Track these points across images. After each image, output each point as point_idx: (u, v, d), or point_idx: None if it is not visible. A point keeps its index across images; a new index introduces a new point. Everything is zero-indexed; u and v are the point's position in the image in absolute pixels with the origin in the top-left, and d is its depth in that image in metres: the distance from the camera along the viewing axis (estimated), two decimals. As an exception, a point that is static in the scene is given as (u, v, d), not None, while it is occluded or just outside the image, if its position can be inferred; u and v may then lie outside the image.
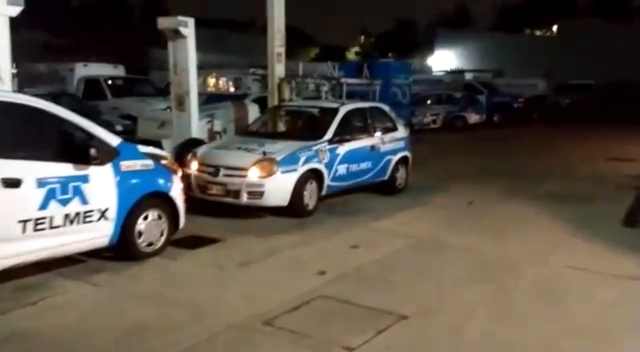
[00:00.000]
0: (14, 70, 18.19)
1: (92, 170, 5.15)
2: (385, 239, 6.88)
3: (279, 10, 11.38)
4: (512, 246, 6.73)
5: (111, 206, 5.32)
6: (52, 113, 5.12)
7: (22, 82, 16.21)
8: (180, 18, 9.39)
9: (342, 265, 5.80)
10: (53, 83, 15.38)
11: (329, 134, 8.30)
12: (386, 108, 9.99)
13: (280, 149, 7.75)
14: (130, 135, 11.86)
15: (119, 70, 16.52)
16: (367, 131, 9.18)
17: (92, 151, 5.03)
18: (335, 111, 8.70)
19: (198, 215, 7.60)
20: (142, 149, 5.90)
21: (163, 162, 6.00)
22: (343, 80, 9.53)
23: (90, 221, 5.18)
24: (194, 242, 6.48)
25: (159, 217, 5.86)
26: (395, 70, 19.92)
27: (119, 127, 12.14)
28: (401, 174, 9.84)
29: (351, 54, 75.83)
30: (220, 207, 7.63)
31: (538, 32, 59.27)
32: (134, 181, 5.55)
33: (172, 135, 10.00)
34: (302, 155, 7.71)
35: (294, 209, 7.65)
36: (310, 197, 7.83)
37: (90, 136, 5.22)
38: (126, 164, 5.47)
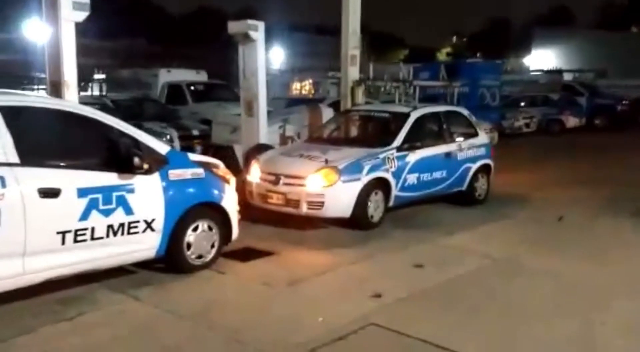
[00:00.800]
0: (102, 76, 19.10)
1: (138, 180, 4.96)
2: (455, 258, 6.24)
3: (354, 11, 10.91)
4: (605, 272, 5.86)
5: (158, 216, 5.11)
6: (97, 120, 4.98)
7: (109, 87, 16.94)
8: (250, 22, 9.18)
9: (401, 287, 5.25)
10: (140, 88, 15.86)
11: (398, 141, 7.74)
12: (465, 112, 9.25)
13: (343, 156, 7.30)
14: (206, 139, 11.98)
15: (201, 76, 16.78)
16: (442, 137, 8.52)
17: (136, 160, 4.83)
18: (405, 116, 8.11)
19: (258, 224, 7.37)
20: (193, 157, 5.67)
21: (215, 170, 5.73)
22: (416, 82, 8.91)
23: (136, 232, 4.99)
24: (247, 254, 6.18)
25: (210, 229, 5.59)
26: (482, 70, 18.90)
27: (195, 132, 12.20)
28: (481, 183, 9.07)
29: (442, 55, 74.03)
30: (282, 217, 7.30)
31: (646, 29, 54.89)
32: (183, 190, 5.31)
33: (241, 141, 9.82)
34: (366, 164, 7.21)
35: (357, 221, 7.17)
36: (375, 208, 7.32)
37: (136, 144, 5.03)
38: (175, 173, 5.25)
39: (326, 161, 7.19)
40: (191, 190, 5.41)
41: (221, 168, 5.86)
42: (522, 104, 21.90)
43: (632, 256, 6.43)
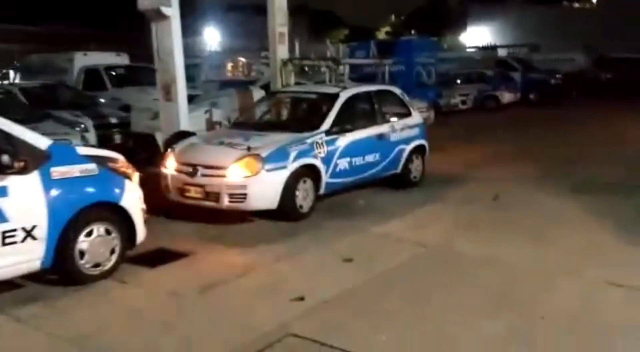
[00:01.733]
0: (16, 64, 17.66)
1: (11, 181, 4.20)
2: (388, 248, 5.78)
3: (279, -14, 10.23)
4: (543, 254, 5.54)
5: (40, 222, 4.37)
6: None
7: (24, 75, 15.62)
8: (162, -4, 8.36)
9: (327, 287, 4.73)
10: (55, 74, 14.62)
11: (327, 124, 7.18)
12: (397, 91, 8.78)
13: (267, 143, 6.68)
14: (126, 128, 11.08)
15: (122, 59, 15.63)
16: (374, 118, 8.02)
17: (4, 158, 4.07)
18: (334, 97, 7.55)
19: (176, 221, 6.72)
20: (83, 151, 4.92)
21: (112, 165, 5.00)
22: (345, 61, 8.37)
23: (13, 242, 4.25)
24: (158, 257, 5.51)
25: (108, 233, 4.88)
26: (418, 48, 18.59)
27: (113, 120, 11.26)
28: (416, 165, 8.66)
29: (382, 35, 73.88)
30: (203, 212, 6.63)
31: (577, 5, 56.27)
32: (70, 190, 4.57)
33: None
34: (293, 150, 6.63)
35: (285, 212, 6.60)
36: (304, 197, 6.76)
37: (7, 139, 4.26)
38: (59, 171, 4.50)
39: (248, 149, 6.56)
40: (81, 189, 4.68)
41: (120, 162, 5.14)
42: (458, 81, 21.79)
43: (570, 234, 6.15)
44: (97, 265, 4.82)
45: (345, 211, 7.19)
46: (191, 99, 12.92)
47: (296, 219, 6.67)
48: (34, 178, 4.34)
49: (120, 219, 4.98)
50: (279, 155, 6.51)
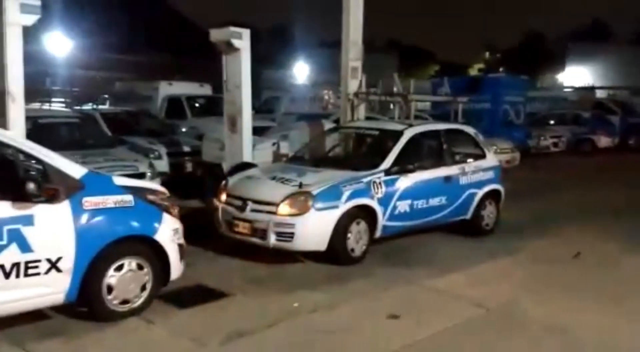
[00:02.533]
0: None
1: (38, 209, 4.09)
2: (442, 305, 5.18)
3: (355, 20, 9.97)
4: (624, 327, 4.74)
5: (67, 254, 4.22)
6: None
7: (118, 98, 16.35)
8: (233, 29, 8.35)
9: (362, 348, 4.23)
10: (140, 102, 15.20)
11: (387, 163, 6.73)
12: (470, 131, 8.18)
13: (321, 180, 6.33)
14: (198, 156, 11.15)
15: (205, 89, 16.04)
16: (442, 159, 7.48)
17: (30, 185, 3.96)
18: (398, 134, 7.10)
19: (225, 256, 6.47)
20: (121, 181, 4.76)
21: (150, 198, 4.82)
22: (412, 96, 7.90)
23: (37, 273, 4.11)
24: (194, 295, 5.25)
25: (140, 268, 4.67)
26: (506, 86, 17.71)
27: (186, 148, 11.40)
28: (489, 212, 7.97)
29: (474, 71, 72.46)
30: (253, 249, 6.33)
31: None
32: (102, 221, 4.41)
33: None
34: (347, 189, 6.22)
35: (335, 255, 6.18)
36: (357, 240, 6.31)
37: (41, 167, 4.18)
38: (92, 201, 4.36)
39: (300, 185, 6.23)
40: (114, 221, 4.50)
41: (160, 194, 4.95)
42: (551, 122, 20.57)
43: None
44: (125, 301, 4.61)
45: (402, 258, 6.64)
46: (264, 130, 13.02)
47: (347, 263, 6.22)
48: (63, 207, 4.21)
49: (154, 254, 4.76)
50: (331, 194, 6.13)
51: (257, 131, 12.74)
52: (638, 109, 23.39)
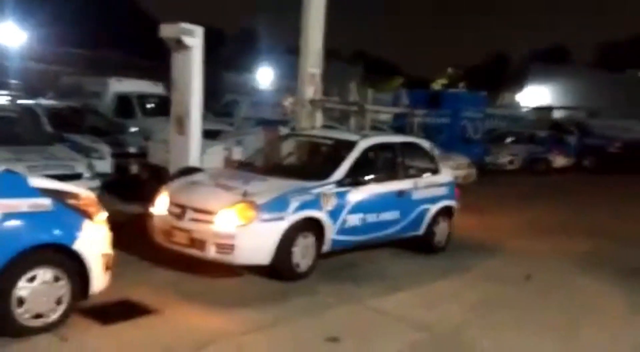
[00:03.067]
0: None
1: None
2: (384, 329, 4.87)
3: (315, 26, 9.66)
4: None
5: (-33, 262, 3.75)
6: None
7: (64, 94, 15.58)
8: (184, 25, 7.90)
9: (295, 375, 3.88)
10: (88, 98, 14.49)
11: (339, 174, 6.41)
12: (426, 145, 7.96)
13: (267, 189, 5.96)
14: (145, 157, 10.62)
15: (159, 88, 15.44)
16: (396, 172, 7.21)
17: None
18: (352, 145, 6.80)
19: (160, 268, 6.01)
20: (38, 183, 4.29)
21: (71, 202, 4.36)
22: (368, 107, 7.63)
23: None
24: (118, 311, 4.79)
25: (56, 280, 4.21)
26: (465, 102, 17.74)
27: (132, 149, 10.85)
28: (442, 228, 7.74)
29: (437, 86, 73.44)
30: (192, 260, 5.88)
31: (641, 73, 54.31)
32: (12, 227, 3.94)
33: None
34: (295, 200, 5.86)
35: (279, 269, 5.81)
36: (302, 255, 5.95)
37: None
38: (3, 204, 3.89)
39: (244, 194, 5.85)
40: (27, 227, 4.03)
41: (83, 199, 4.49)
42: (508, 139, 20.72)
43: (609, 330, 5.09)
44: (38, 315, 4.13)
45: (350, 274, 6.32)
46: (218, 134, 12.57)
47: (291, 279, 5.86)
48: (-35, 210, 3.74)
49: (72, 264, 4.30)
50: (278, 205, 5.76)
51: (212, 135, 12.31)
52: (594, 131, 23.85)
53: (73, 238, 4.26)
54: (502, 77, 61.16)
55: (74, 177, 8.19)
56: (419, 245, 7.55)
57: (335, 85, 9.43)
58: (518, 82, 52.56)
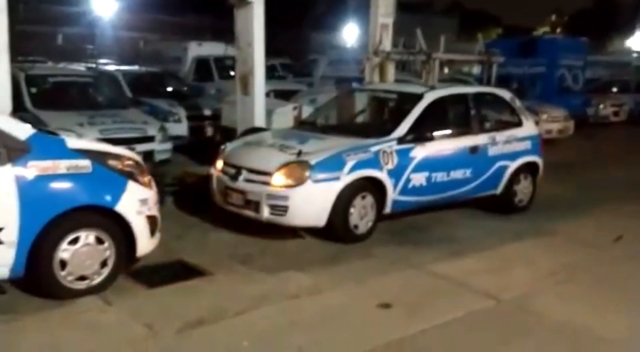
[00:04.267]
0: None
1: (-27, 175, 3.65)
2: (442, 295, 4.49)
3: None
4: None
5: (9, 224, 3.78)
6: None
7: (147, 59, 15.99)
8: (244, -20, 7.65)
9: (338, 343, 3.63)
10: (170, 63, 14.78)
11: (401, 130, 5.97)
12: (506, 95, 7.25)
13: (322, 148, 5.66)
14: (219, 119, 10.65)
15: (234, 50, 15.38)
16: (469, 127, 6.63)
17: (-45, 148, 3.50)
18: (417, 98, 6.29)
19: (220, 230, 5.97)
20: (77, 144, 4.24)
21: (112, 163, 4.30)
22: (435, 55, 6.98)
23: (-27, 245, 3.70)
24: (168, 274, 4.75)
25: (100, 242, 4.19)
26: (563, 49, 16.26)
27: (207, 111, 10.89)
28: (523, 187, 7.12)
29: (539, 34, 68.78)
30: (253, 222, 5.72)
31: None
32: (51, 189, 3.93)
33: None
34: (351, 158, 5.52)
35: (335, 232, 5.54)
36: (361, 216, 5.64)
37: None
38: (40, 166, 3.88)
39: (299, 153, 5.58)
40: (66, 189, 4.01)
41: (125, 159, 4.42)
42: (614, 89, 18.89)
43: None
44: (83, 278, 4.16)
45: (412, 237, 5.93)
46: (293, 94, 12.35)
47: (348, 241, 5.58)
48: (4, 173, 3.75)
49: (116, 227, 4.26)
50: (332, 164, 5.45)
51: (288, 95, 12.15)
52: None
53: (115, 200, 4.21)
54: (612, 21, 56.09)
55: (146, 139, 8.37)
56: (497, 205, 7.00)
57: (432, 39, 8.67)
58: (629, 26, 47.97)
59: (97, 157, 4.21)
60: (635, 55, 27.46)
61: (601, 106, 17.30)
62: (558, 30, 44.21)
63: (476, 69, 19.47)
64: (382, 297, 4.33)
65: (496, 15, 73.49)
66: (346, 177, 5.47)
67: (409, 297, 4.39)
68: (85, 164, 4.09)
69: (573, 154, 11.58)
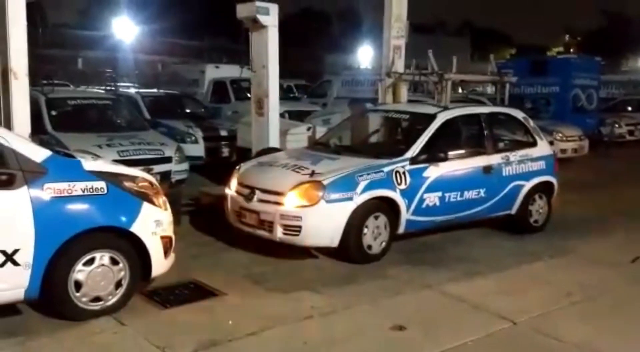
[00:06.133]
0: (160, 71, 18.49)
1: (-9, 196, 3.71)
2: (458, 317, 4.44)
3: (399, -8, 9.13)
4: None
5: (25, 246, 3.82)
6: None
7: (166, 82, 16.25)
8: (259, 4, 7.74)
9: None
10: (187, 85, 15.03)
11: (414, 151, 5.98)
12: (519, 115, 7.24)
13: (336, 168, 5.68)
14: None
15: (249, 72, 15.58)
16: (482, 147, 6.62)
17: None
18: (429, 119, 6.31)
19: (233, 249, 6.00)
20: (93, 166, 4.31)
21: (127, 185, 4.35)
22: (448, 75, 7.00)
23: (-11, 267, 3.75)
24: (182, 294, 4.78)
25: (114, 262, 4.23)
26: (577, 68, 16.20)
27: (223, 132, 11.01)
28: (539, 206, 7.07)
29: (552, 54, 68.69)
30: (266, 242, 5.73)
31: None
32: (66, 211, 3.98)
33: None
34: (363, 179, 5.54)
35: (348, 252, 5.54)
36: (375, 236, 5.63)
37: (-4, 149, 3.79)
38: (56, 187, 3.93)
39: (312, 174, 5.61)
40: (82, 210, 4.07)
41: (140, 181, 4.47)
42: (629, 108, 18.76)
43: None
44: (98, 299, 4.19)
45: (426, 257, 5.89)
46: (307, 114, 12.46)
47: (362, 261, 5.57)
48: (21, 195, 3.81)
49: (131, 247, 4.30)
50: (345, 184, 5.47)
51: (302, 115, 12.25)
52: None
53: (130, 221, 4.25)
54: (625, 40, 55.89)
55: (164, 160, 8.47)
56: (512, 225, 6.96)
57: (444, 60, 8.69)
58: (643, 45, 47.74)
59: (113, 178, 4.27)
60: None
61: (616, 125, 17.18)
62: (572, 50, 44.03)
63: (490, 89, 19.52)
64: (397, 318, 4.30)
65: (507, 34, 73.74)
66: (359, 198, 5.48)
67: (424, 319, 4.36)
68: (100, 185, 4.15)
69: (588, 174, 11.47)
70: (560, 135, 12.99)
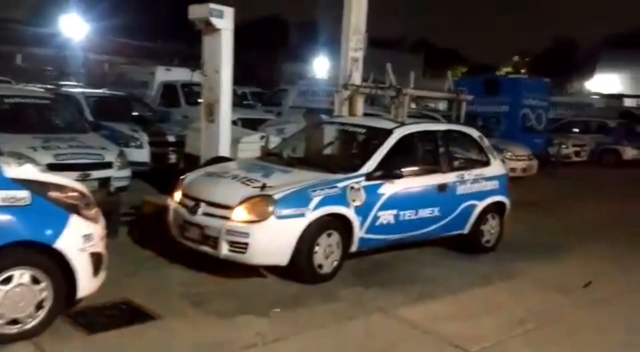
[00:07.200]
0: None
1: None
2: (409, 344, 4.21)
3: (358, 6, 8.96)
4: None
5: None
6: None
7: (113, 83, 15.61)
8: (212, 6, 7.40)
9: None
10: (136, 87, 14.45)
11: (369, 166, 5.75)
12: (474, 133, 7.15)
13: (288, 182, 5.39)
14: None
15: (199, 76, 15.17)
16: (437, 164, 6.47)
17: None
18: (386, 134, 6.11)
19: (176, 266, 5.59)
20: (17, 173, 3.86)
21: (53, 195, 3.91)
22: (407, 90, 6.84)
23: None
24: (113, 316, 4.35)
25: (35, 282, 3.79)
26: (526, 89, 16.52)
27: (171, 137, 10.54)
28: (491, 227, 6.96)
29: (502, 73, 70.70)
30: (213, 258, 5.36)
31: None
32: (-19, 223, 3.54)
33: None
34: (316, 194, 5.26)
35: (298, 271, 5.24)
36: (326, 255, 5.35)
37: None
38: (-30, 197, 3.49)
39: (262, 187, 5.30)
40: (0, 223, 3.63)
41: (69, 191, 4.04)
42: (575, 129, 19.28)
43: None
44: (15, 322, 3.73)
45: (379, 278, 5.66)
46: (261, 123, 12.11)
47: (312, 281, 5.28)
48: None
49: (55, 265, 3.86)
50: (297, 199, 5.18)
51: (256, 123, 11.90)
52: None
53: (54, 236, 3.81)
54: (571, 63, 58.11)
55: (103, 165, 7.94)
56: (464, 245, 6.82)
57: (399, 75, 8.54)
58: (588, 69, 49.74)
59: (38, 188, 3.82)
60: (596, 97, 28.28)
61: (563, 146, 17.59)
62: (523, 71, 45.37)
63: (442, 106, 19.68)
64: (346, 347, 4.04)
65: (459, 53, 75.53)
66: (312, 214, 5.19)
67: (374, 347, 4.10)
68: (23, 195, 3.70)
69: (537, 193, 11.57)
70: (510, 154, 13.10)
